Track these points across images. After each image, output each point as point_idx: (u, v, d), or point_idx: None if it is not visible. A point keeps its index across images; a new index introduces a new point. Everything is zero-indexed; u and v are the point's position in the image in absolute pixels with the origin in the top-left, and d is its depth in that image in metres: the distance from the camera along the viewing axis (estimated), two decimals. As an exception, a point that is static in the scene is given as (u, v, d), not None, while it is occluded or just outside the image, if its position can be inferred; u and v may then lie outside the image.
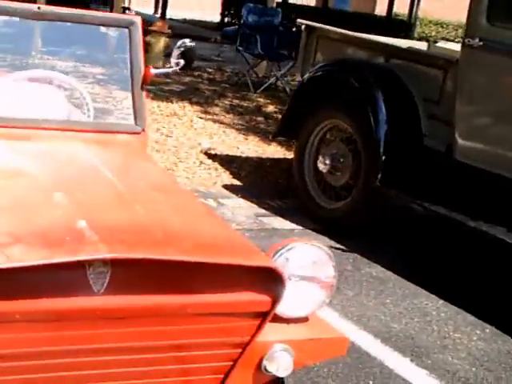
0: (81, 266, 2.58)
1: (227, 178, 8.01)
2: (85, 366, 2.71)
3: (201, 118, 9.92)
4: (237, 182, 7.93)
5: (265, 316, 2.91)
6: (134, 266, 2.64)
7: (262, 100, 11.19)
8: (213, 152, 8.74)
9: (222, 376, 2.89)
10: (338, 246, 6.59)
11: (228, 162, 8.47)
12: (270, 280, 2.86)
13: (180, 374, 2.92)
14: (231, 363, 2.88)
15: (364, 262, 6.40)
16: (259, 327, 2.91)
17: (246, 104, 10.93)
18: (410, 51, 7.22)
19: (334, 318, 5.16)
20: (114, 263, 2.60)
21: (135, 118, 3.82)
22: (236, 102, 10.94)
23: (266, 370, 3.02)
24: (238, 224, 6.82)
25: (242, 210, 7.18)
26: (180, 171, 7.98)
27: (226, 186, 7.77)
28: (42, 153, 3.44)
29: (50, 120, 3.64)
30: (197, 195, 7.37)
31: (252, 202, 7.42)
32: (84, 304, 2.61)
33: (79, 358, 2.69)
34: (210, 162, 8.39)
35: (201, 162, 8.33)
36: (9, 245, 2.54)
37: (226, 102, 10.80)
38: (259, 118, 10.37)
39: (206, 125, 9.69)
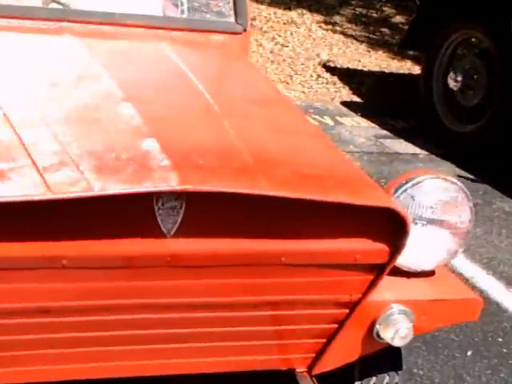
0: (146, 199, 2.00)
1: (346, 93, 7.34)
2: (148, 324, 2.16)
3: (320, 27, 9.18)
4: (357, 99, 7.25)
5: (380, 269, 2.30)
6: (215, 202, 2.05)
7: (388, 9, 10.34)
8: (332, 65, 8.04)
9: (324, 340, 2.41)
10: (467, 175, 5.86)
11: (348, 76, 7.77)
12: (389, 224, 2.23)
13: (274, 336, 2.37)
14: (336, 326, 2.39)
15: (496, 194, 5.66)
16: (372, 283, 2.32)
17: (370, 13, 10.12)
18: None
19: (460, 259, 4.49)
20: (189, 197, 2.02)
21: (236, 15, 3.16)
22: (359, 10, 10.12)
23: (378, 336, 2.44)
24: (356, 146, 6.19)
25: (362, 131, 6.54)
26: (295, 84, 7.35)
27: (344, 103, 7.11)
28: (120, 54, 2.85)
29: (134, 15, 3.02)
30: (312, 112, 6.78)
31: (373, 121, 6.76)
32: (150, 248, 2.04)
33: (142, 315, 2.14)
34: (328, 75, 7.71)
35: (318, 76, 7.66)
36: (53, 170, 1.97)
37: (349, 11, 10.00)
38: (384, 30, 9.56)
39: (325, 35, 8.96)
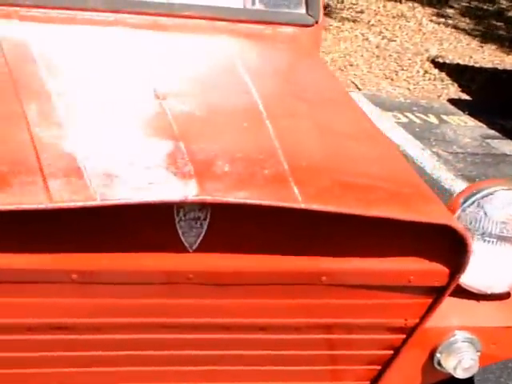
0: (165, 209, 1.79)
1: (454, 91, 6.97)
2: (168, 345, 1.97)
3: (431, 20, 8.79)
4: (465, 97, 6.87)
5: (439, 292, 2.05)
6: (244, 214, 1.82)
7: (504, 2, 9.87)
8: (441, 60, 7.67)
9: (378, 367, 2.18)
10: None
11: (457, 72, 7.38)
12: (447, 242, 1.97)
13: (322, 361, 2.14)
14: (391, 352, 2.15)
15: None
16: (431, 307, 2.07)
17: (485, 6, 9.65)
18: None
19: None
20: (214, 208, 1.80)
21: (307, 6, 2.90)
22: (475, 3, 9.66)
23: (439, 365, 2.16)
24: (461, 147, 5.83)
25: (468, 130, 6.17)
26: (400, 81, 7.03)
27: (451, 101, 6.74)
28: (170, 47, 2.64)
29: (194, 6, 2.80)
30: (416, 109, 6.46)
31: (480, 120, 6.37)
32: (169, 263, 1.84)
33: (161, 335, 1.94)
34: (436, 71, 7.36)
35: (425, 72, 7.32)
36: (59, 175, 1.78)
37: (463, 4, 9.55)
38: (499, 24, 9.07)
39: (436, 29, 8.57)
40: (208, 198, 1.73)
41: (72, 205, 1.67)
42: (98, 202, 1.68)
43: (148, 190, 1.75)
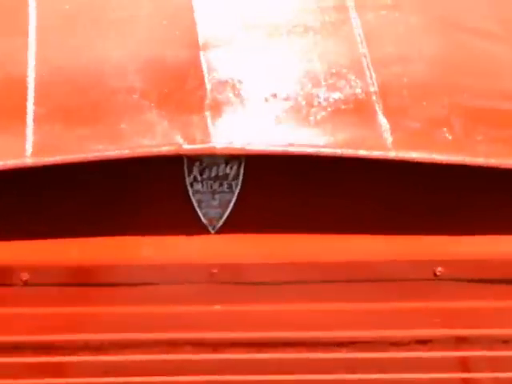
0: (172, 164, 1.18)
1: None
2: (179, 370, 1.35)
3: None
4: None
5: None
6: (297, 169, 1.20)
7: None
8: None
9: None
10: None
11: None
12: None
13: None
14: None
15: None
16: None
17: None
18: None
19: None
20: (250, 160, 1.18)
21: None
22: None
23: None
24: None
25: None
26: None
27: None
28: None
29: None
30: None
31: None
32: (180, 254, 1.24)
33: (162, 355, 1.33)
34: None
35: None
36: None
37: None
38: None
39: None
40: (217, 148, 1.11)
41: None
42: (26, 161, 1.01)
43: (125, 136, 1.09)
